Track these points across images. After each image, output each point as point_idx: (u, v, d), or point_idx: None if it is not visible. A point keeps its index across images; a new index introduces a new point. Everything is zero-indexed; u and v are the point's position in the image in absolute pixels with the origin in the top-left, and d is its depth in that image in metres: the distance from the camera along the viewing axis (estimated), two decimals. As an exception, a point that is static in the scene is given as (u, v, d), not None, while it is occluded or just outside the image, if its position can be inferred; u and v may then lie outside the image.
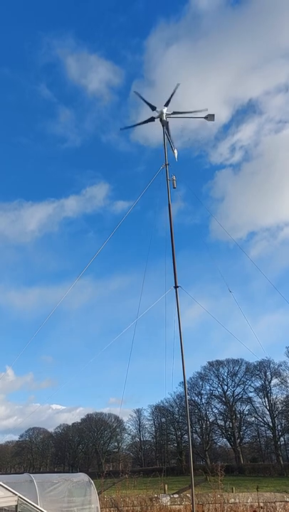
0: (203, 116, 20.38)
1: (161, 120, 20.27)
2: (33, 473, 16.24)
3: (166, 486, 21.98)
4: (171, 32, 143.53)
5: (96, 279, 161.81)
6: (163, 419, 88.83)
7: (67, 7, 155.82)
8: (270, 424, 70.06)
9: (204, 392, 78.43)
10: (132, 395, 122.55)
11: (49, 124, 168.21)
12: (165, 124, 20.35)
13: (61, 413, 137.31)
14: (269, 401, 71.15)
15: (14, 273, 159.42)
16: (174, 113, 20.40)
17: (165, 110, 20.09)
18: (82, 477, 13.71)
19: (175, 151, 20.51)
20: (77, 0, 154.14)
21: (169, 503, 19.10)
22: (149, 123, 20.69)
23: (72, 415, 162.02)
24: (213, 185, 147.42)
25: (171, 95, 19.99)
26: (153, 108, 20.34)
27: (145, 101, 20.46)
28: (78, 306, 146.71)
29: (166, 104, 20.18)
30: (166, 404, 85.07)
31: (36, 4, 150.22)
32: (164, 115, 20.11)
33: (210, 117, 20.37)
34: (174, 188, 19.46)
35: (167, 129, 20.40)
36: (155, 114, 20.24)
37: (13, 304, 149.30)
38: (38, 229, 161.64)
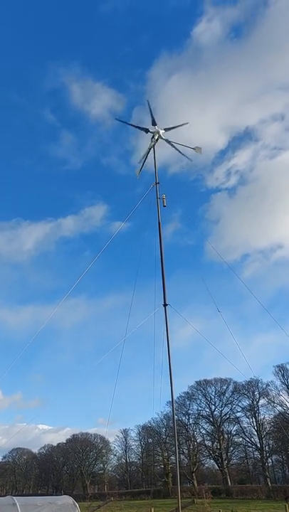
0: (192, 147, 21.04)
1: (153, 137, 20.66)
2: (16, 495, 15.79)
3: (152, 509, 21.52)
4: (173, 63, 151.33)
5: (90, 298, 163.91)
6: (150, 440, 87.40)
7: (75, 37, 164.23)
8: (258, 445, 69.29)
9: (192, 412, 77.52)
10: (122, 415, 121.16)
11: (51, 147, 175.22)
12: (154, 142, 20.73)
13: (48, 433, 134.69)
14: (257, 421, 70.49)
15: (8, 291, 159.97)
16: (167, 141, 20.97)
17: (162, 132, 20.56)
18: (67, 500, 13.39)
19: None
20: (84, 31, 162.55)
21: (155, 527, 18.69)
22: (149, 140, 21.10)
23: (59, 436, 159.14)
24: (208, 208, 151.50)
25: (175, 127, 20.63)
26: (154, 123, 20.84)
27: (151, 113, 20.96)
28: (71, 325, 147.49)
29: (166, 130, 20.76)
30: (154, 424, 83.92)
31: (45, 33, 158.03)
32: (158, 135, 20.56)
33: (197, 149, 21.11)
34: (164, 206, 19.69)
35: (152, 147, 20.84)
36: (152, 129, 20.67)
37: (6, 323, 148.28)
38: (35, 248, 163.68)
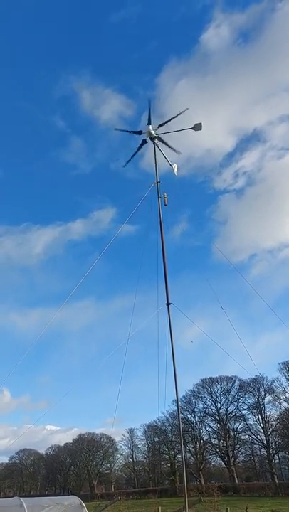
0: (190, 127, 20.63)
1: (151, 139, 20.55)
2: (23, 496, 15.82)
3: (160, 507, 21.51)
4: (181, 69, 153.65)
5: (98, 300, 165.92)
6: (156, 439, 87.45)
7: (86, 45, 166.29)
8: (264, 442, 69.20)
9: (197, 410, 77.54)
10: (129, 415, 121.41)
11: (61, 153, 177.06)
12: (157, 139, 20.60)
13: (55, 434, 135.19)
14: (263, 418, 70.45)
15: (17, 295, 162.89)
16: (160, 126, 20.64)
17: (151, 128, 20.35)
18: (74, 500, 13.41)
19: (174, 165, 20.87)
20: (95, 38, 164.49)
21: (162, 526, 18.71)
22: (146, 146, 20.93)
23: (67, 436, 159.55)
24: (216, 209, 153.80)
25: (149, 111, 20.37)
26: (139, 133, 20.62)
27: (128, 131, 20.86)
28: (79, 328, 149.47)
29: (149, 123, 20.46)
30: (159, 423, 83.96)
31: (55, 42, 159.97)
32: (152, 133, 20.39)
33: (197, 126, 20.55)
34: (166, 205, 19.68)
35: (164, 142, 20.65)
36: (144, 136, 20.53)
37: (15, 325, 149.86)
38: (44, 252, 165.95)
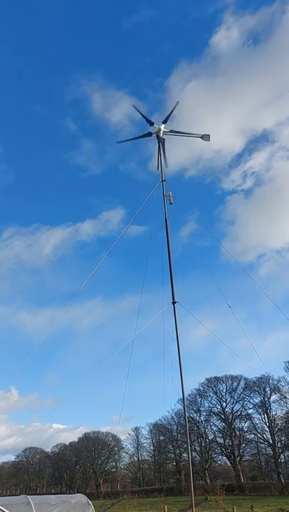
0: (199, 135, 20.77)
1: (157, 136, 20.60)
2: (29, 494, 15.89)
3: (165, 506, 21.54)
4: (191, 71, 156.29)
5: (106, 300, 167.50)
6: (161, 438, 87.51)
7: (99, 49, 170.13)
8: (270, 441, 69.01)
9: (203, 409, 77.40)
10: (136, 414, 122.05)
11: (72, 155, 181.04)
12: (161, 141, 20.67)
13: (62, 432, 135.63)
14: (268, 417, 70.21)
15: (27, 295, 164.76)
16: (172, 131, 20.76)
17: (162, 127, 20.42)
18: (80, 498, 13.46)
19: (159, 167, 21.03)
20: (107, 43, 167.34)
21: (169, 524, 18.71)
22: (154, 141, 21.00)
23: (74, 434, 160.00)
24: (224, 209, 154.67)
25: (170, 112, 20.40)
26: (151, 123, 20.73)
27: (143, 115, 20.89)
28: (88, 327, 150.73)
29: (165, 122, 20.56)
30: (165, 422, 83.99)
31: (69, 46, 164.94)
32: (162, 132, 20.44)
33: (205, 137, 20.80)
34: (171, 203, 19.70)
35: (163, 145, 20.72)
36: (152, 129, 20.62)
37: (25, 325, 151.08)
38: (53, 253, 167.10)
